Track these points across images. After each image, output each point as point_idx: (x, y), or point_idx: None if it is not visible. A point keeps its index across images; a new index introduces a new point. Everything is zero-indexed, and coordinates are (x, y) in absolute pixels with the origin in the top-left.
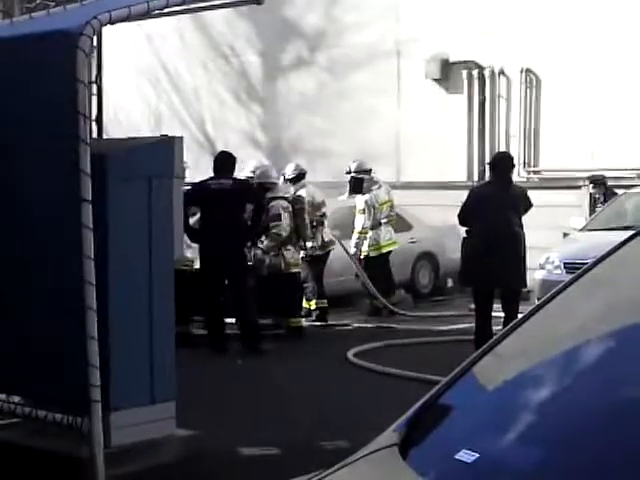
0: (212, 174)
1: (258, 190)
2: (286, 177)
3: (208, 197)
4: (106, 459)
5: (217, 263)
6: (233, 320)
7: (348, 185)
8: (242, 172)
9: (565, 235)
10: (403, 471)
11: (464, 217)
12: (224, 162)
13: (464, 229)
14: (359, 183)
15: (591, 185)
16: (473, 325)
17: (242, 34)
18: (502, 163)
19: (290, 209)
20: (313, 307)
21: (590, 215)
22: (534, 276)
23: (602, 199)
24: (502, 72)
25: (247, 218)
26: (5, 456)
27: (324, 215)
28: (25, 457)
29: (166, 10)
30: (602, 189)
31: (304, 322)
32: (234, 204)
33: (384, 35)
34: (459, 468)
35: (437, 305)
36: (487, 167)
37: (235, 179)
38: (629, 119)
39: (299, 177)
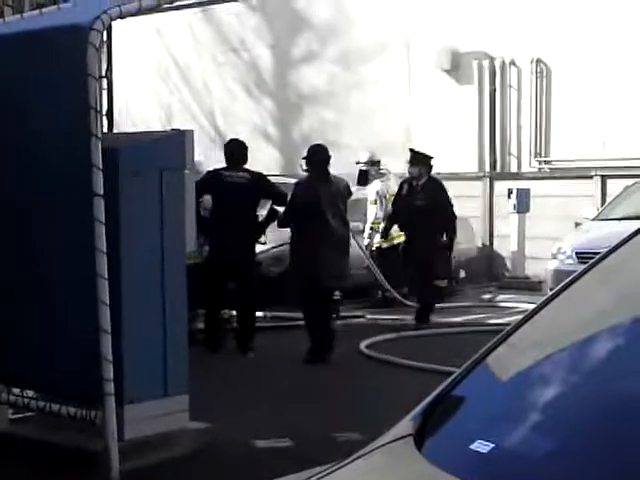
0: (224, 164)
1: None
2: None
3: (221, 190)
4: (120, 452)
5: (225, 260)
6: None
7: (357, 176)
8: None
9: (577, 225)
10: (418, 462)
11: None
12: (237, 152)
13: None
14: (364, 175)
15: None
16: (486, 316)
17: (252, 27)
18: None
19: None
20: None
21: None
22: (546, 266)
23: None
24: (513, 62)
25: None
26: (19, 450)
27: None
28: (39, 451)
29: (176, 4)
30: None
31: None
32: (248, 200)
33: (394, 26)
34: (474, 458)
35: (449, 296)
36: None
37: (250, 172)
38: None
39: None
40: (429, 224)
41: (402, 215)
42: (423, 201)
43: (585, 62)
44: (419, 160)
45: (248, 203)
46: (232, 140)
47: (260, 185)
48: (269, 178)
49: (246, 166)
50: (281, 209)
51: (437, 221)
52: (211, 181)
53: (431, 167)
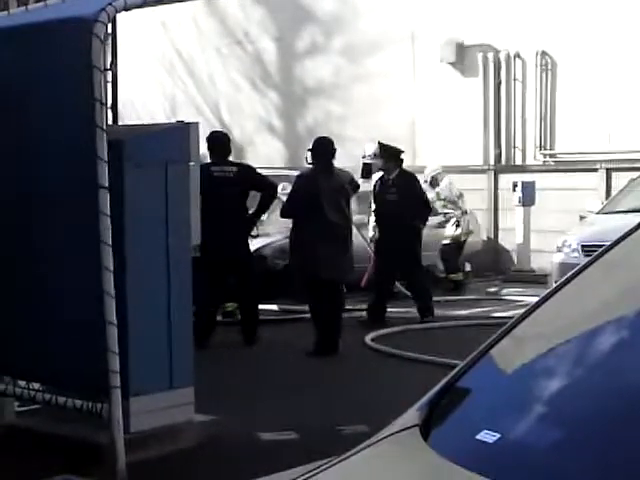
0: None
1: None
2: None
3: (211, 185)
4: (126, 444)
5: (222, 256)
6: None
7: (361, 169)
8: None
9: (582, 218)
10: (424, 451)
11: None
12: (219, 144)
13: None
14: (368, 168)
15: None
16: (491, 309)
17: (257, 19)
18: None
19: None
20: None
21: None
22: (551, 259)
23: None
24: (518, 55)
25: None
26: (25, 442)
27: None
28: (44, 443)
29: None
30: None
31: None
32: (237, 193)
33: (399, 19)
34: (480, 448)
35: (455, 289)
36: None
37: (237, 164)
38: None
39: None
40: (404, 218)
41: (378, 211)
42: (395, 195)
43: (590, 55)
44: (388, 154)
45: (238, 196)
46: (213, 132)
47: (249, 177)
48: (259, 170)
49: (246, 160)
50: (284, 198)
51: (411, 214)
52: (201, 177)
53: (401, 160)
